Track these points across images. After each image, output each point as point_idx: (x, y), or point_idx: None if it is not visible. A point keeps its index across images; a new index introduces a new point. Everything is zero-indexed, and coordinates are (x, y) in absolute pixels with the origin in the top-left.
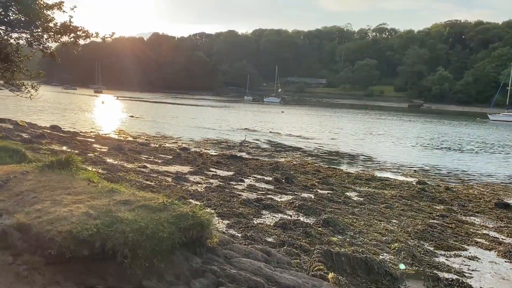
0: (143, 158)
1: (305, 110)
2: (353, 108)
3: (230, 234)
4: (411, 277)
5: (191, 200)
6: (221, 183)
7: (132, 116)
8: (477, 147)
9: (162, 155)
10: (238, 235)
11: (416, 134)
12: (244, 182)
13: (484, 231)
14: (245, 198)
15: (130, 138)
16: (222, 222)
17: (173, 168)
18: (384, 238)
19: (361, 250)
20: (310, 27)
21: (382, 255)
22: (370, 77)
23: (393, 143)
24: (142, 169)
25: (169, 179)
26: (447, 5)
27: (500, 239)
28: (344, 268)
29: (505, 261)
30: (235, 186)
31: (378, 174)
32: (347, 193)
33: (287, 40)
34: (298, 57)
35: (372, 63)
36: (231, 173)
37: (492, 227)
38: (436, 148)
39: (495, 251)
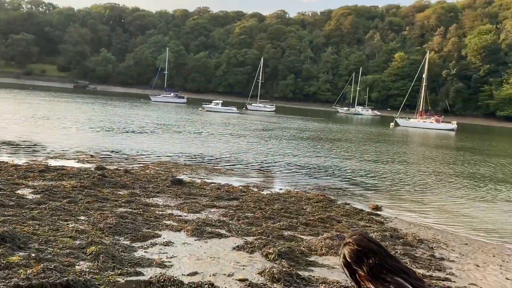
0: None
1: None
2: (11, 88)
3: None
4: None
5: None
6: None
7: None
8: (156, 127)
9: None
10: None
11: (99, 118)
12: None
13: (169, 211)
14: None
15: None
16: None
17: None
18: (77, 242)
19: (53, 265)
20: None
21: (79, 265)
22: (28, 54)
23: (71, 127)
24: None
25: None
26: None
27: (184, 217)
28: None
29: (195, 240)
30: None
31: (53, 163)
32: (20, 191)
33: None
34: None
35: (29, 38)
36: None
37: (174, 206)
38: (117, 131)
39: (184, 231)
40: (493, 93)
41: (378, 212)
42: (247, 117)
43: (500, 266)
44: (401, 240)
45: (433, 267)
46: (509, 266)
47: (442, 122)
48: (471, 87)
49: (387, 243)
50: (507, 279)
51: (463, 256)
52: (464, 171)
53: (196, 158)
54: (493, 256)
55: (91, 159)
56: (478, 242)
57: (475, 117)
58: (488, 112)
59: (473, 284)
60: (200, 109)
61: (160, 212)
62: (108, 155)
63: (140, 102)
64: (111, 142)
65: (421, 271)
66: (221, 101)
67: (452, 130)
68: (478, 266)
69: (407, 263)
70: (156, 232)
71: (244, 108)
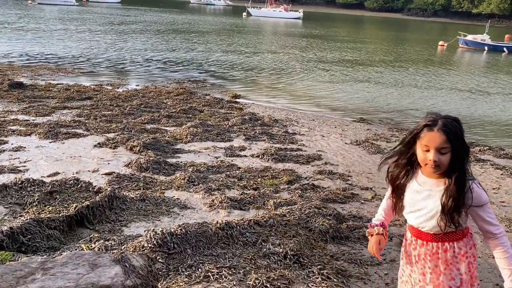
0: None
1: None
2: None
3: None
4: None
5: None
6: None
7: None
8: None
9: None
10: None
11: None
12: None
13: (13, 117)
14: None
15: None
16: None
17: None
18: None
19: None
20: None
21: None
22: None
23: None
24: None
25: None
26: None
27: (32, 121)
28: None
29: (50, 142)
30: None
31: None
32: None
33: None
34: None
35: None
36: None
37: (18, 110)
38: None
39: (35, 135)
40: None
41: (238, 100)
42: (91, 10)
43: (340, 134)
44: (259, 122)
45: (287, 141)
46: (347, 134)
47: (290, 10)
48: None
49: (247, 125)
50: (346, 143)
51: (311, 129)
52: (316, 57)
53: (36, 58)
54: (335, 127)
55: None
56: (323, 118)
57: (318, 5)
58: (330, 0)
59: (320, 150)
60: (29, 1)
61: (2, 119)
62: None
63: None
64: None
65: (277, 145)
66: None
67: (299, 18)
68: (323, 136)
69: (265, 140)
70: (1, 139)
71: (84, 0)
